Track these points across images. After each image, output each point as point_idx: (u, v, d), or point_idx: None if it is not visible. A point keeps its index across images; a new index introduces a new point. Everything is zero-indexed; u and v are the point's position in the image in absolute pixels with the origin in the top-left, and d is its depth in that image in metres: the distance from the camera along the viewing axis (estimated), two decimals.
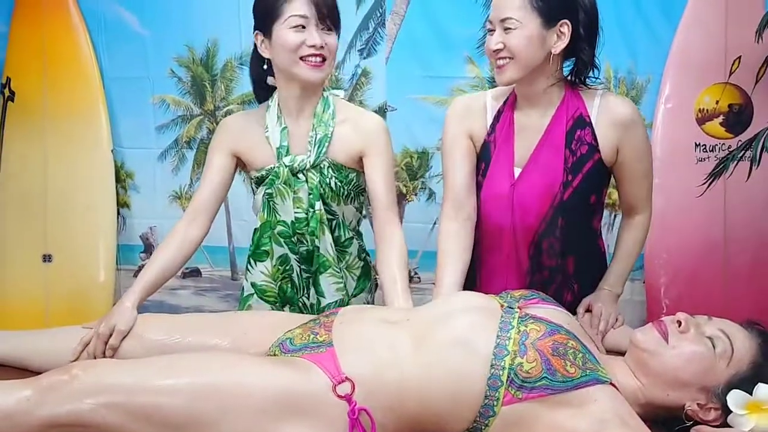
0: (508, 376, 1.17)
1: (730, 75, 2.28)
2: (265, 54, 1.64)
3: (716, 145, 2.31)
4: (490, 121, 1.67)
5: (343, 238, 1.73)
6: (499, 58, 1.54)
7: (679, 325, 1.29)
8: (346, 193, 1.71)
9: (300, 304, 1.73)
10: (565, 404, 1.16)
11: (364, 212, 1.82)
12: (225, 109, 2.55)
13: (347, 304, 1.70)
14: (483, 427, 1.19)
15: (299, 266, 1.72)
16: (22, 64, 2.57)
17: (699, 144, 2.32)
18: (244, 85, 2.52)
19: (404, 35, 2.45)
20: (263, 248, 1.72)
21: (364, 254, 1.80)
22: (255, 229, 1.74)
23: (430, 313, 1.34)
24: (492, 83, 1.94)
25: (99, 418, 1.20)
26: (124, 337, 1.46)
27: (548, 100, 1.61)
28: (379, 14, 2.44)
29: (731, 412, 1.23)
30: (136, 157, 2.62)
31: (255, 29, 1.65)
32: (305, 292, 1.73)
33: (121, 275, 2.65)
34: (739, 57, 2.26)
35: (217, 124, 2.54)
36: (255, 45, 1.70)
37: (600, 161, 1.60)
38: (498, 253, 1.66)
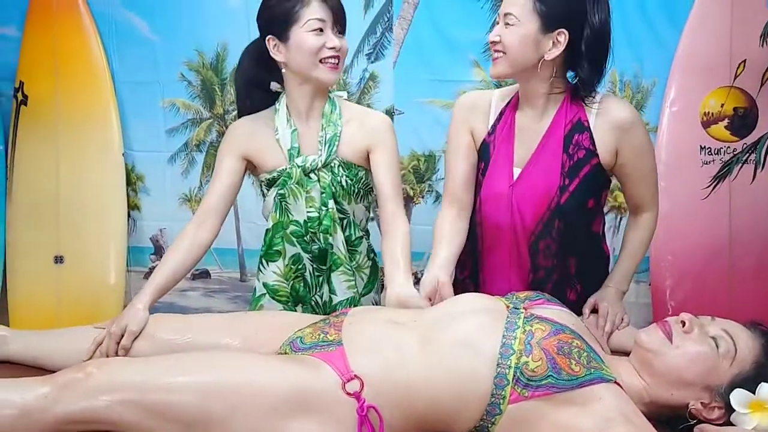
0: (514, 375, 1.19)
1: (735, 78, 2.29)
2: (278, 57, 1.66)
3: (721, 148, 2.32)
4: (492, 120, 1.69)
5: (353, 237, 1.75)
6: (495, 51, 1.57)
7: (683, 326, 1.30)
8: (356, 191, 1.73)
9: (312, 303, 1.75)
10: (570, 402, 1.18)
11: (371, 214, 1.84)
12: (234, 113, 2.55)
13: (358, 303, 1.72)
14: (490, 426, 1.21)
15: (312, 265, 1.74)
16: (34, 68, 2.59)
17: (704, 147, 2.33)
18: None
19: (411, 39, 2.47)
20: (275, 248, 1.74)
21: (372, 254, 1.82)
22: (267, 229, 1.76)
23: (438, 315, 1.36)
24: (498, 86, 1.96)
25: (114, 415, 1.22)
26: (136, 338, 1.49)
27: (548, 103, 1.62)
28: (386, 19, 2.47)
29: (734, 410, 1.24)
30: (147, 160, 2.65)
31: (266, 34, 1.66)
32: (318, 290, 1.75)
33: (131, 277, 2.68)
34: (744, 60, 2.27)
35: (226, 127, 2.57)
36: (244, 54, 1.76)
37: (598, 165, 1.60)
38: (499, 253, 1.68)
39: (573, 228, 1.64)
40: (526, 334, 1.24)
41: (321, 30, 1.63)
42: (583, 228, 1.68)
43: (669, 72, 2.35)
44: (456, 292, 1.56)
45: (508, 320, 1.28)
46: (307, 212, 1.70)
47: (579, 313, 1.60)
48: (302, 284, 1.75)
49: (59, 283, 2.58)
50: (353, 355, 1.27)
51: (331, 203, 1.70)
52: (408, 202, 2.52)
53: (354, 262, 1.76)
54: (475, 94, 1.77)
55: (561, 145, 1.60)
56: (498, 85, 2.04)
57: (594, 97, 1.59)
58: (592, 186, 1.63)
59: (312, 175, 1.69)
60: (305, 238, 1.72)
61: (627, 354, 1.41)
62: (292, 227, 1.72)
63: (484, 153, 1.69)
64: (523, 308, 1.34)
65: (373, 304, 1.79)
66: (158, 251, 2.70)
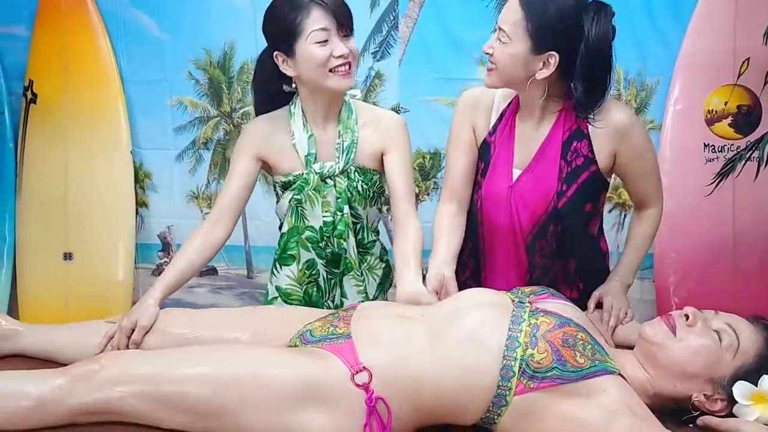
0: (520, 367, 1.21)
1: (738, 76, 2.31)
2: (289, 72, 1.64)
3: (725, 145, 2.33)
4: (494, 120, 1.69)
5: (366, 240, 1.77)
6: (489, 61, 1.57)
7: (687, 319, 1.32)
8: (371, 195, 1.74)
9: (324, 307, 1.75)
10: (574, 394, 1.19)
11: (383, 212, 1.86)
12: (241, 111, 2.59)
13: None
14: (496, 417, 1.23)
15: (325, 270, 1.75)
16: (44, 67, 2.62)
17: (708, 145, 2.34)
18: None
19: (417, 38, 2.49)
20: (290, 252, 1.74)
21: (386, 256, 1.83)
22: (282, 233, 1.77)
23: (445, 310, 1.38)
24: None
25: (127, 406, 1.25)
26: (146, 333, 1.51)
27: (546, 111, 1.62)
28: (392, 18, 2.49)
29: (737, 402, 1.26)
30: (155, 157, 2.67)
31: (273, 50, 1.64)
32: (330, 294, 1.76)
33: (139, 273, 2.70)
34: (748, 59, 2.29)
35: (233, 125, 2.60)
36: (260, 59, 1.73)
37: (596, 172, 1.61)
38: (498, 252, 1.69)
39: (570, 230, 1.65)
40: (532, 327, 1.26)
41: (326, 40, 1.58)
42: (580, 230, 1.69)
43: (673, 70, 2.36)
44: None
45: (514, 314, 1.30)
46: (323, 217, 1.70)
47: (583, 308, 1.61)
48: (315, 289, 1.76)
49: (68, 280, 2.60)
50: (362, 348, 1.29)
51: (346, 208, 1.70)
52: None
53: (365, 264, 1.77)
54: (478, 90, 1.75)
55: (559, 152, 1.61)
56: None
57: (592, 114, 1.56)
58: (590, 191, 1.64)
59: (328, 180, 1.70)
60: (320, 243, 1.72)
61: (631, 348, 1.43)
62: (307, 233, 1.72)
63: (484, 153, 1.69)
64: (528, 302, 1.36)
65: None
66: (166, 248, 2.72)
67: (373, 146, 1.71)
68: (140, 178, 2.67)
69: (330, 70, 1.60)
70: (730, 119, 2.33)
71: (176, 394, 1.25)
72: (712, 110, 2.34)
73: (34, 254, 2.62)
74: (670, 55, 2.36)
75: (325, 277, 1.76)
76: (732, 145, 2.32)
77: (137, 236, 2.66)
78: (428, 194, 2.60)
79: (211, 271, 2.71)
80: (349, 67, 1.63)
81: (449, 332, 1.29)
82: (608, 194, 1.76)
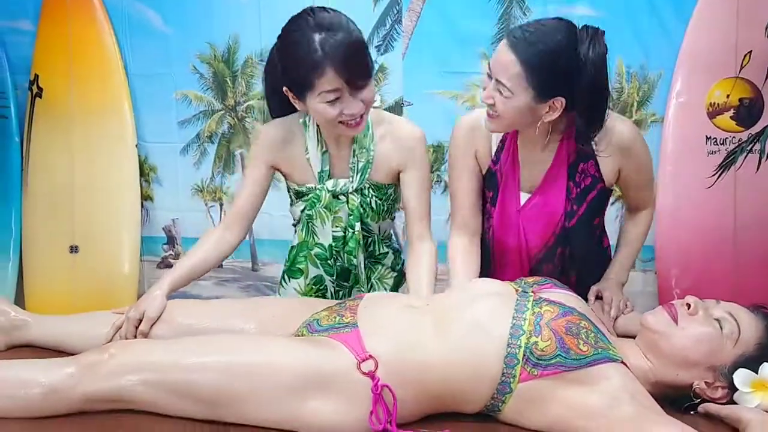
0: (524, 354, 1.22)
1: (740, 69, 2.31)
2: (298, 106, 1.57)
3: (727, 138, 2.34)
4: (494, 147, 1.66)
5: (377, 252, 1.76)
6: (489, 108, 1.53)
7: (688, 308, 1.34)
8: (385, 208, 1.71)
9: None
10: (578, 382, 1.21)
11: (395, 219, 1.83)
12: (246, 104, 2.61)
13: None
14: (500, 404, 1.25)
15: (333, 284, 1.75)
16: (49, 61, 2.63)
17: (710, 137, 2.35)
18: None
19: (420, 31, 2.50)
20: (298, 266, 1.75)
21: (398, 266, 1.81)
22: (291, 245, 1.78)
23: (450, 299, 1.40)
24: None
25: (136, 395, 1.27)
26: (154, 324, 1.52)
27: (550, 135, 1.60)
28: (395, 11, 2.50)
29: (738, 390, 1.28)
30: (159, 151, 2.68)
31: (284, 84, 1.55)
32: None
33: (144, 266, 2.72)
34: (750, 52, 2.29)
35: (238, 119, 2.62)
36: (269, 60, 1.63)
37: (603, 189, 1.64)
38: (507, 272, 1.70)
39: (579, 248, 1.68)
40: (536, 315, 1.27)
41: (337, 98, 1.49)
42: (588, 243, 1.73)
43: (675, 63, 2.37)
44: None
45: (518, 303, 1.31)
46: (333, 232, 1.68)
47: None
48: None
49: (74, 273, 2.62)
50: (368, 337, 1.30)
51: (357, 225, 1.67)
52: None
53: (376, 274, 1.77)
54: (473, 116, 1.70)
55: (566, 176, 1.61)
56: None
57: (593, 140, 1.56)
58: (598, 207, 1.68)
59: (341, 196, 1.67)
60: (329, 261, 1.71)
61: (632, 338, 1.45)
62: (317, 249, 1.72)
63: (491, 182, 1.68)
64: (532, 292, 1.37)
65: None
66: (171, 241, 2.74)
67: (389, 163, 1.66)
68: (145, 172, 2.68)
69: (340, 122, 1.53)
70: (731, 112, 2.34)
71: (185, 382, 1.26)
72: (714, 103, 2.35)
73: (41, 247, 2.63)
74: (672, 49, 2.37)
75: (333, 291, 1.76)
76: (733, 137, 2.33)
77: (142, 229, 2.67)
78: (432, 188, 2.61)
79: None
80: (362, 117, 1.55)
81: (454, 321, 1.31)
82: None
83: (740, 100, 2.33)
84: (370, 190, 1.68)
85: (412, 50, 2.51)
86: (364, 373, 1.25)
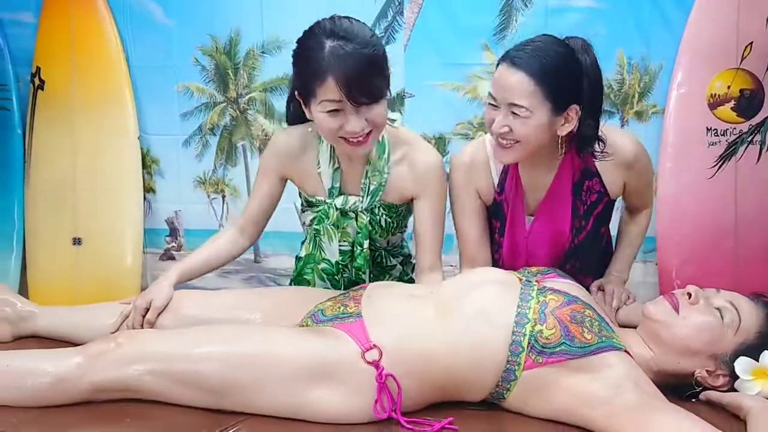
0: (529, 342, 1.24)
1: (741, 60, 2.31)
2: (306, 114, 1.51)
3: (727, 129, 2.34)
4: (496, 179, 1.66)
5: (385, 264, 1.74)
6: (505, 140, 1.50)
7: (689, 297, 1.35)
8: (395, 225, 1.69)
9: None
10: (582, 369, 1.22)
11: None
12: (247, 97, 2.61)
13: None
14: (505, 392, 1.26)
15: None
16: (51, 53, 2.62)
17: (711, 128, 2.35)
18: (265, 73, 2.58)
19: (422, 23, 2.49)
20: (305, 277, 1.74)
21: (407, 277, 1.79)
22: (298, 256, 1.77)
23: (454, 287, 1.41)
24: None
25: (143, 384, 1.28)
26: (160, 313, 1.54)
27: (552, 159, 1.61)
28: (397, 3, 2.49)
29: (738, 377, 1.30)
30: (162, 143, 2.67)
31: (296, 89, 1.52)
32: None
33: (147, 258, 2.72)
34: (751, 43, 2.29)
35: (239, 111, 2.62)
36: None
37: (609, 202, 1.66)
38: None
39: (589, 258, 1.71)
40: (540, 304, 1.28)
41: (337, 110, 1.42)
42: (597, 252, 1.76)
43: (676, 54, 2.37)
44: None
45: (523, 291, 1.33)
46: (340, 246, 1.66)
47: None
48: None
49: (77, 265, 2.62)
50: (372, 326, 1.32)
51: (366, 243, 1.64)
52: None
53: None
54: (469, 151, 1.69)
55: (570, 195, 1.62)
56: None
57: (595, 149, 1.56)
58: (605, 217, 1.70)
59: (350, 213, 1.63)
60: (336, 276, 1.69)
61: (634, 328, 1.46)
62: (323, 264, 1.70)
63: (498, 212, 1.68)
64: (536, 281, 1.38)
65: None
66: (173, 233, 2.74)
67: (403, 188, 1.61)
68: (147, 164, 2.68)
69: (341, 137, 1.47)
70: (732, 103, 2.34)
71: (191, 372, 1.28)
72: (715, 94, 2.35)
73: (44, 239, 2.64)
74: (673, 40, 2.36)
75: None
76: (734, 128, 2.33)
77: (145, 221, 2.67)
78: (445, 217, 2.60)
79: None
80: (367, 135, 1.46)
81: (458, 309, 1.32)
82: None
83: (741, 91, 2.33)
84: (381, 209, 1.64)
85: (413, 42, 2.51)
86: (369, 363, 1.27)
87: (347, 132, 1.44)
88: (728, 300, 1.35)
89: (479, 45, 2.46)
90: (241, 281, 2.72)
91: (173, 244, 2.74)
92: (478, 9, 2.43)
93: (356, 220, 1.63)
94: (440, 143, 2.56)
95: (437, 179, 1.60)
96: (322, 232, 1.66)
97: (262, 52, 2.57)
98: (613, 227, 1.85)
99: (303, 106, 1.51)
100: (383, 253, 1.73)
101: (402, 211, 1.68)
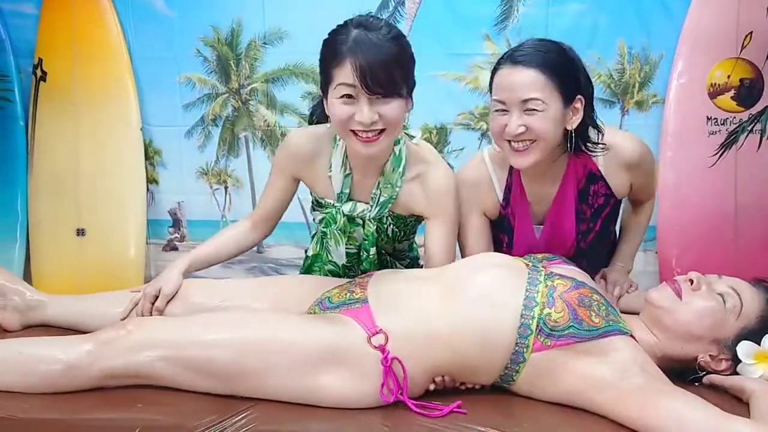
0: (537, 325, 1.25)
1: (741, 50, 2.33)
2: (326, 108, 1.50)
3: (727, 118, 2.36)
4: (501, 195, 1.67)
5: (392, 268, 1.73)
6: (519, 141, 1.50)
7: (692, 283, 1.37)
8: (402, 235, 1.69)
9: None
10: (589, 353, 1.24)
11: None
12: (249, 87, 2.61)
13: None
14: (514, 374, 1.28)
15: None
16: (52, 45, 2.61)
17: (711, 118, 2.37)
18: (267, 63, 2.59)
19: (423, 14, 2.50)
20: (313, 274, 1.75)
21: None
22: (306, 254, 1.79)
23: (460, 270, 1.42)
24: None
25: (154, 370, 1.30)
26: (169, 301, 1.55)
27: (556, 166, 1.61)
28: None
29: (741, 361, 1.32)
30: (164, 134, 2.68)
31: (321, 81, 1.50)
32: None
33: (150, 249, 2.73)
34: (751, 32, 2.30)
35: (241, 102, 2.63)
36: None
37: (616, 202, 1.68)
38: None
39: (597, 255, 1.73)
40: (549, 288, 1.30)
41: (351, 96, 1.40)
42: (605, 248, 1.79)
43: (677, 44, 2.38)
44: None
45: (530, 276, 1.34)
46: (347, 249, 1.66)
47: None
48: None
49: (81, 256, 2.63)
50: (378, 311, 1.33)
51: (372, 250, 1.64)
52: None
53: None
54: (472, 169, 1.70)
55: (573, 206, 1.63)
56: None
57: (593, 145, 1.57)
58: (613, 216, 1.72)
59: (358, 219, 1.62)
60: (342, 277, 1.68)
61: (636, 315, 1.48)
62: (330, 266, 1.71)
63: (504, 226, 1.69)
64: (543, 267, 1.40)
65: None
66: (176, 224, 2.75)
67: (414, 206, 1.60)
68: (150, 155, 2.69)
69: (352, 131, 1.44)
70: (732, 92, 2.35)
71: (202, 358, 1.29)
72: (715, 84, 2.36)
73: (47, 231, 2.64)
74: (673, 30, 2.38)
75: None
76: (734, 118, 2.35)
77: (148, 212, 2.68)
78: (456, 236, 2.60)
79: None
80: (379, 133, 1.43)
81: (464, 291, 1.33)
82: None
83: (741, 80, 2.35)
84: (389, 219, 1.64)
85: (414, 33, 2.51)
86: (375, 347, 1.29)
87: (357, 122, 1.41)
88: (730, 285, 1.37)
89: (480, 35, 2.47)
90: (244, 271, 2.73)
91: (176, 234, 2.76)
92: None
93: (363, 227, 1.63)
94: (442, 133, 2.57)
95: (448, 201, 1.58)
96: (329, 236, 1.67)
97: (264, 43, 2.58)
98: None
99: (324, 100, 1.49)
100: (389, 258, 1.73)
101: (410, 222, 1.68)
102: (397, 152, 1.56)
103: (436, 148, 2.59)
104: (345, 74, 1.38)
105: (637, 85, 2.46)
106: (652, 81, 2.45)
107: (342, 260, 1.68)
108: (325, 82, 1.45)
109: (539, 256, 1.49)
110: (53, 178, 2.63)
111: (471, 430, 1.19)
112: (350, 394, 1.28)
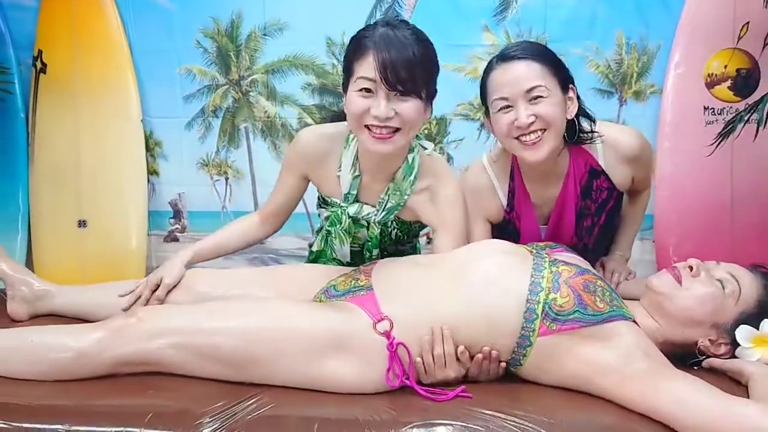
0: (543, 309, 1.27)
1: (738, 40, 2.34)
2: (345, 105, 1.49)
3: (724, 108, 2.38)
4: (505, 200, 1.70)
5: None
6: (531, 133, 1.51)
7: (691, 270, 1.39)
8: (405, 238, 1.71)
9: None
10: (593, 337, 1.26)
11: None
12: (249, 79, 2.62)
13: None
14: (521, 358, 1.30)
15: None
16: (52, 37, 2.62)
17: (708, 107, 2.39)
18: (267, 54, 2.60)
19: (422, 4, 2.51)
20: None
21: None
22: (311, 249, 1.80)
23: (464, 256, 1.43)
24: None
25: (164, 357, 1.32)
26: (170, 291, 1.57)
27: (558, 164, 1.64)
28: None
29: (739, 345, 1.34)
30: (164, 126, 2.68)
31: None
32: None
33: (151, 240, 2.75)
34: (747, 23, 2.32)
35: (242, 93, 2.64)
36: None
37: (618, 194, 1.70)
38: None
39: (601, 244, 1.77)
40: (553, 273, 1.32)
41: (370, 90, 1.40)
42: (609, 237, 1.82)
43: (674, 34, 2.40)
44: None
45: (535, 262, 1.36)
46: (351, 247, 1.68)
47: None
48: None
49: (82, 247, 2.64)
50: (383, 298, 1.35)
51: (375, 251, 1.66)
52: None
53: None
54: (473, 177, 1.72)
55: (574, 201, 1.65)
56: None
57: (588, 134, 1.60)
58: (616, 210, 1.75)
59: (362, 221, 1.64)
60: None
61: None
62: (334, 263, 1.73)
63: (510, 230, 1.71)
64: (546, 254, 1.42)
65: None
66: (177, 215, 2.76)
67: (421, 213, 1.61)
68: (150, 147, 2.70)
69: (366, 126, 1.44)
70: (729, 82, 2.37)
71: (211, 345, 1.31)
72: (712, 74, 2.38)
73: (49, 223, 2.65)
74: (671, 20, 2.39)
75: None
76: (731, 107, 2.37)
77: (149, 204, 2.69)
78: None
79: None
80: (393, 131, 1.43)
81: (469, 277, 1.35)
82: None
83: (737, 70, 2.37)
84: (393, 223, 1.66)
85: (414, 23, 2.50)
86: (380, 333, 1.31)
87: (373, 116, 1.40)
88: (728, 271, 1.39)
89: (480, 26, 2.49)
90: (246, 262, 2.74)
91: (177, 226, 2.77)
92: None
93: (367, 228, 1.65)
94: (441, 124, 2.59)
95: (459, 214, 1.59)
96: (333, 235, 1.68)
97: (264, 34, 2.59)
98: None
99: (343, 95, 1.49)
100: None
101: (414, 227, 1.70)
102: (410, 161, 1.56)
103: (435, 139, 2.64)
104: (366, 67, 1.39)
105: (634, 75, 2.48)
106: (650, 71, 2.47)
107: (346, 259, 1.70)
108: (347, 76, 1.46)
109: (541, 244, 1.52)
110: (54, 169, 2.64)
111: (476, 413, 1.21)
112: (357, 380, 1.30)
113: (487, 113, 1.61)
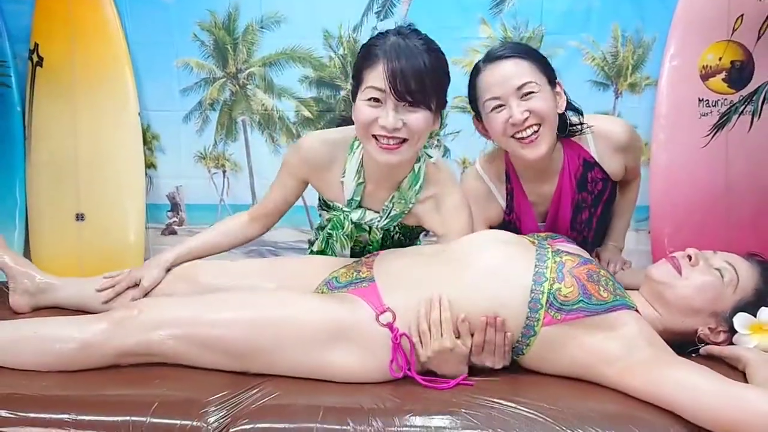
0: (548, 299, 1.28)
1: (732, 33, 2.36)
2: (353, 113, 1.47)
3: (719, 100, 2.40)
4: (503, 203, 1.71)
5: None
6: (527, 128, 1.51)
7: (690, 259, 1.41)
8: (407, 242, 1.70)
9: None
10: (597, 327, 1.27)
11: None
12: (247, 72, 2.63)
13: None
14: (524, 347, 1.31)
15: None
16: (49, 30, 2.61)
17: (702, 99, 2.41)
18: (264, 47, 2.60)
19: None
20: None
21: None
22: (311, 249, 1.79)
23: (467, 246, 1.44)
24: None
25: (166, 348, 1.32)
26: (147, 294, 1.57)
27: (554, 160, 1.65)
28: None
29: (737, 332, 1.36)
30: (162, 119, 2.69)
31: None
32: None
33: (149, 233, 2.75)
34: (742, 15, 2.34)
35: (239, 86, 2.64)
36: None
37: (613, 185, 1.72)
38: None
39: (600, 232, 1.79)
40: (557, 263, 1.33)
41: (378, 100, 1.38)
42: (606, 225, 1.84)
43: (669, 27, 2.42)
44: None
45: (538, 253, 1.37)
46: (352, 247, 1.67)
47: None
48: None
49: (81, 241, 2.64)
50: (385, 289, 1.36)
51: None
52: None
53: None
54: (469, 184, 1.73)
55: (570, 196, 1.67)
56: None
57: (578, 126, 1.62)
58: (612, 200, 1.77)
59: (365, 226, 1.63)
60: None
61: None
62: None
63: (511, 230, 1.67)
64: (548, 244, 1.43)
65: None
66: (174, 208, 2.77)
67: (425, 222, 1.60)
68: (148, 140, 2.70)
69: (373, 136, 1.42)
70: (723, 74, 2.39)
71: (213, 336, 1.32)
72: (707, 66, 2.40)
73: (46, 216, 2.65)
74: (666, 13, 2.41)
75: None
76: (725, 99, 2.39)
77: (146, 197, 2.69)
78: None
79: None
80: (400, 142, 1.41)
81: (472, 265, 1.36)
82: None
83: (732, 62, 2.39)
84: (396, 228, 1.65)
85: (411, 16, 2.53)
86: (383, 325, 1.32)
87: (381, 126, 1.38)
88: (726, 260, 1.41)
89: (476, 19, 2.50)
90: (242, 255, 2.74)
91: (175, 218, 2.78)
92: None
93: (369, 233, 1.64)
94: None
95: (464, 221, 1.57)
96: (335, 239, 1.67)
97: (261, 27, 2.59)
98: None
99: (353, 103, 1.47)
100: None
101: (417, 231, 1.71)
102: (416, 170, 1.55)
103: (431, 131, 2.64)
104: (375, 77, 1.37)
105: (630, 67, 2.50)
106: (645, 63, 2.49)
107: (347, 261, 1.69)
108: (356, 84, 1.44)
109: (543, 234, 1.53)
110: (51, 163, 2.64)
111: (478, 401, 1.22)
112: (360, 371, 1.31)
113: (478, 117, 1.62)
